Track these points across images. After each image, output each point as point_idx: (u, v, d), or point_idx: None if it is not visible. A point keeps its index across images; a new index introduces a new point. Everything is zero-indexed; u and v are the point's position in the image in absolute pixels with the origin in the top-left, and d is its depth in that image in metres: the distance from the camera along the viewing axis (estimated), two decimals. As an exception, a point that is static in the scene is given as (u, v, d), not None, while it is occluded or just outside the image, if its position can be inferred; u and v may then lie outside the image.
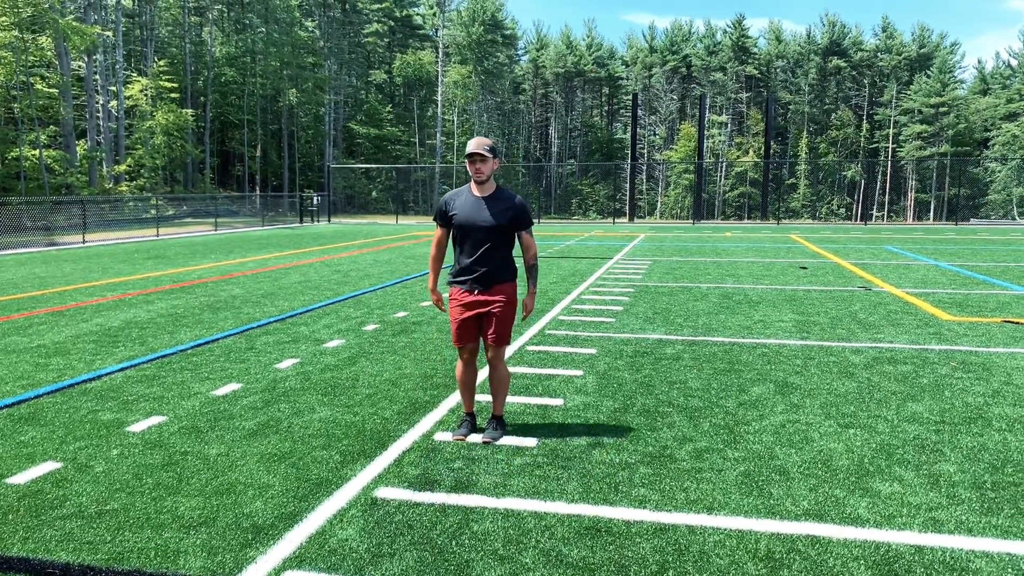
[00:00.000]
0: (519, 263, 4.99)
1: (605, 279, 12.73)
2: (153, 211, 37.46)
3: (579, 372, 6.31)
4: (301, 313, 9.20)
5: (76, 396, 5.60)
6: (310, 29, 61.57)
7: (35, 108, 34.07)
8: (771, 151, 56.22)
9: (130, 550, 3.27)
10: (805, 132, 74.71)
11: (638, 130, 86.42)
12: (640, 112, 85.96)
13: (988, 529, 3.50)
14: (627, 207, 47.35)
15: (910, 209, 69.08)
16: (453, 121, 67.09)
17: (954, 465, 4.27)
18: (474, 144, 4.47)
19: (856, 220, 60.79)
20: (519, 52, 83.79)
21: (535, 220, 40.63)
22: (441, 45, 65.88)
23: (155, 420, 5.03)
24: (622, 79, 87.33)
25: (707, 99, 68.21)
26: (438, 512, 3.66)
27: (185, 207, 42.30)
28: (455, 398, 5.54)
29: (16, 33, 29.66)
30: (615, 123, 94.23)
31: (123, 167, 40.28)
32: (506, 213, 4.54)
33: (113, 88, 42.42)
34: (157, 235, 24.90)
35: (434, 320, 8.67)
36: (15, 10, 29.19)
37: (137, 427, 4.89)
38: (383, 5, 66.74)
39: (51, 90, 36.76)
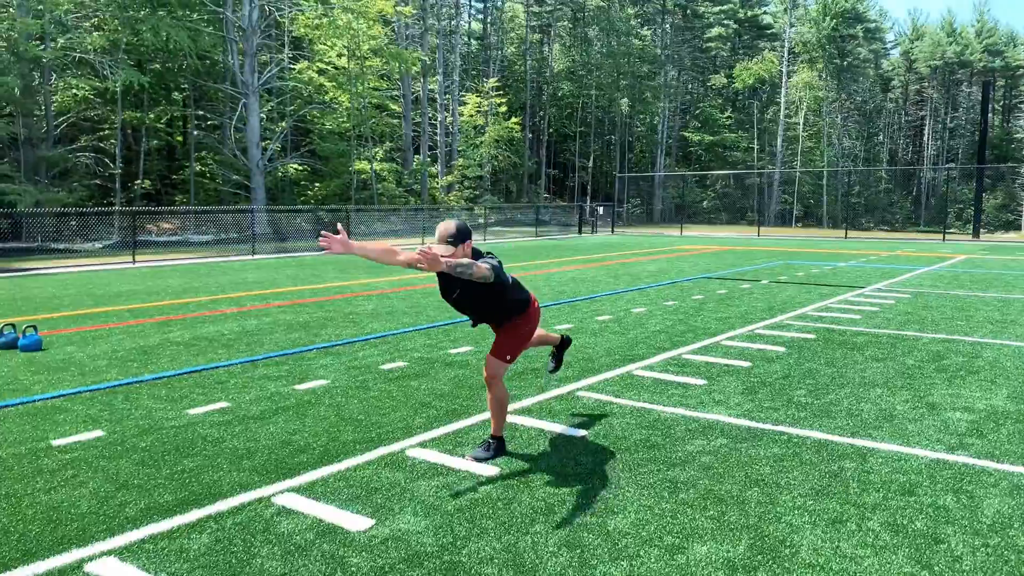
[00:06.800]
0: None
1: (800, 317, 9.74)
2: (480, 219, 39.70)
3: (493, 472, 4.34)
4: (372, 339, 8.15)
5: (-54, 428, 5.13)
6: (648, 38, 60.89)
7: (379, 125, 37.98)
8: None
9: None
10: None
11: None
12: (1044, 106, 71.25)
13: None
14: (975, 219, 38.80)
15: None
16: (799, 124, 61.65)
17: None
18: (436, 238, 4.19)
19: None
20: (887, 46, 74.49)
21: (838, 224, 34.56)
22: (787, 43, 60.92)
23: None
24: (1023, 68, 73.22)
25: None
26: None
27: (507, 215, 44.39)
28: (243, 498, 4.00)
29: (355, 63, 33.14)
30: (1014, 120, 79.81)
31: (450, 178, 43.27)
32: (476, 287, 4.29)
33: (449, 107, 45.84)
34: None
35: (464, 364, 7.03)
36: (355, 43, 32.61)
37: None
38: (725, 7, 63.62)
39: (396, 108, 40.81)
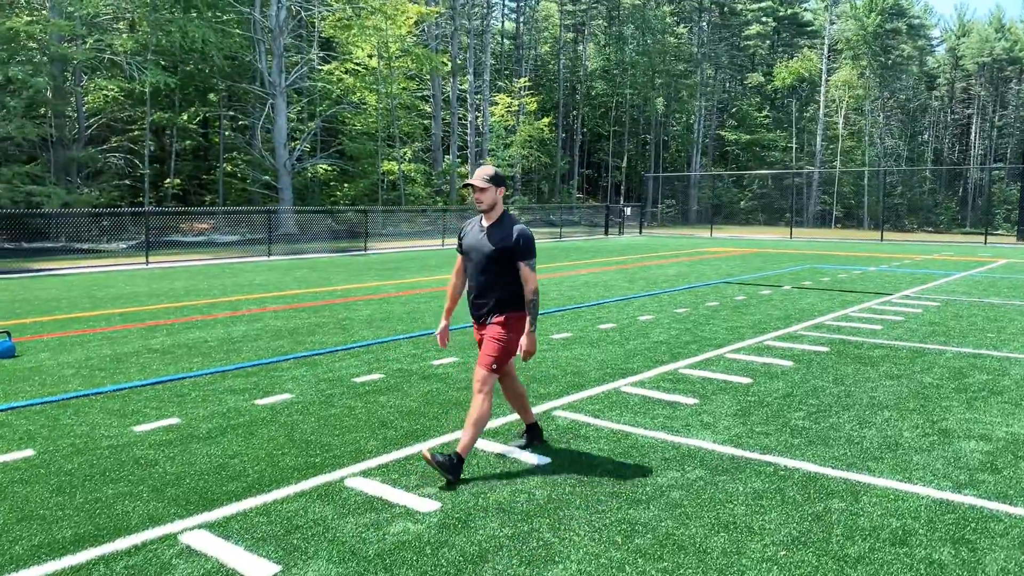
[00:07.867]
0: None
1: (817, 327, 9.14)
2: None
3: (433, 507, 3.90)
4: (356, 347, 7.77)
5: None
6: (684, 36, 59.93)
7: (408, 125, 37.74)
8: None
9: None
10: None
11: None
12: (1099, 103, 68.58)
13: None
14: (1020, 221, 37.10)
15: None
16: (838, 124, 60.15)
17: None
18: (475, 175, 4.39)
19: None
20: (932, 42, 72.41)
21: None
22: (827, 40, 59.46)
23: None
24: (1075, 63, 70.55)
25: None
26: None
27: (536, 215, 43.87)
28: (148, 534, 3.62)
29: (384, 64, 32.97)
30: (1066, 118, 76.98)
31: (478, 178, 42.88)
32: (501, 243, 4.36)
33: (480, 107, 45.52)
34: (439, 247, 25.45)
35: (442, 377, 6.61)
36: (384, 47, 32.45)
37: None
38: (764, 5, 62.31)
39: (426, 108, 40.59)
